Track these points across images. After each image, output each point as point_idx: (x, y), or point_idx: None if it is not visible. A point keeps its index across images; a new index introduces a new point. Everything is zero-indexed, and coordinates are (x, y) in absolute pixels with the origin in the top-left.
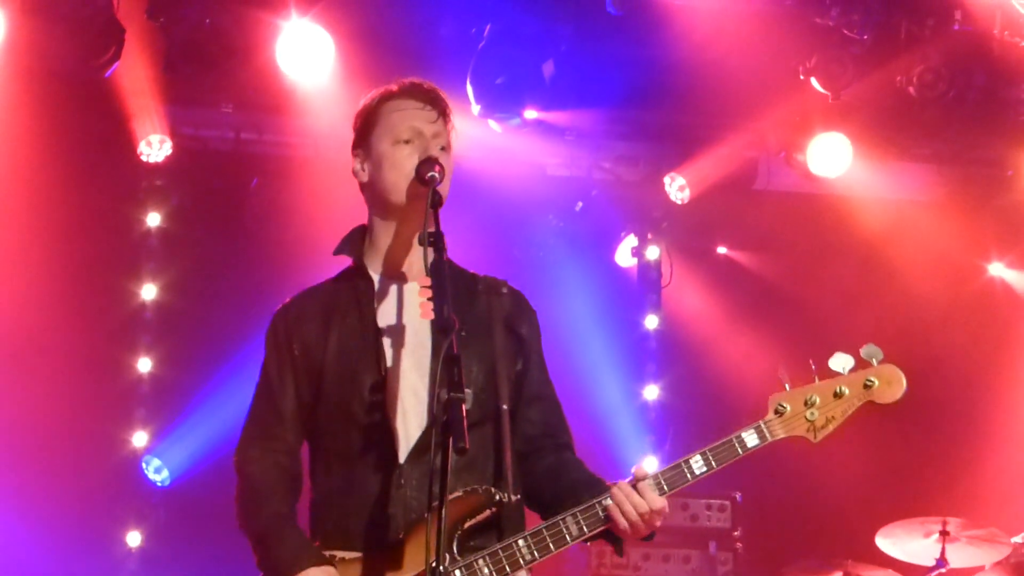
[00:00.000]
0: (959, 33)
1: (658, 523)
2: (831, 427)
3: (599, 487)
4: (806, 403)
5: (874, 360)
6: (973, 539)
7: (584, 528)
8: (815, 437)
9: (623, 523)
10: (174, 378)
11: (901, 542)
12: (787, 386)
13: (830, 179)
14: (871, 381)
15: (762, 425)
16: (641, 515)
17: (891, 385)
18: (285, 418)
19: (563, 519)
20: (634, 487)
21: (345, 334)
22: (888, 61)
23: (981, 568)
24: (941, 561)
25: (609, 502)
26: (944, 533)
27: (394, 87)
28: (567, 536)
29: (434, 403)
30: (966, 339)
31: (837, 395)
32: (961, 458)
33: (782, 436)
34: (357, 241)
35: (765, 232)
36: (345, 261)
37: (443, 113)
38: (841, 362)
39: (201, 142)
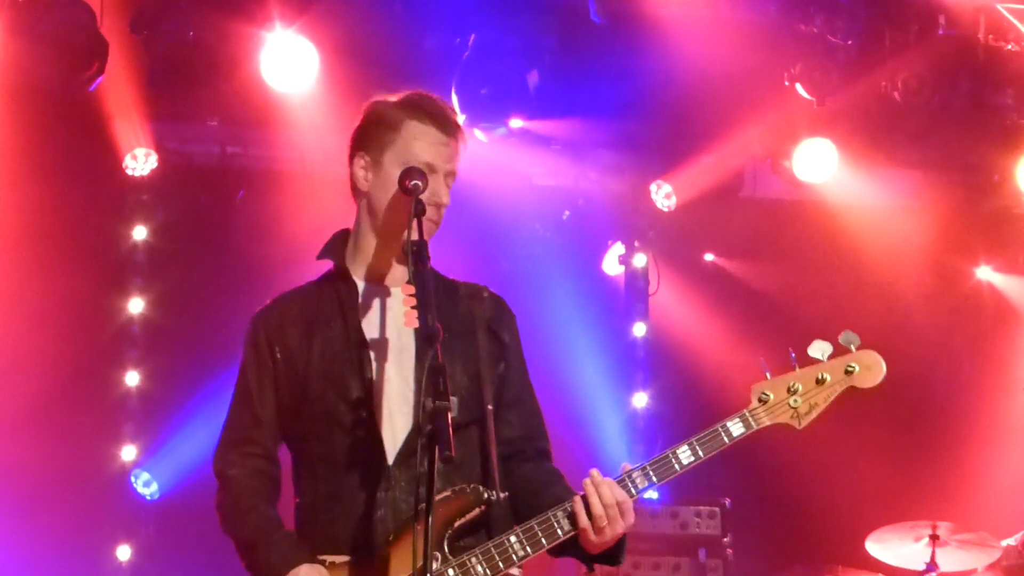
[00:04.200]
0: (943, 38)
1: (620, 526)
2: (815, 413)
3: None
4: (789, 390)
5: (852, 346)
6: (963, 543)
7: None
8: (799, 424)
9: (584, 520)
10: (162, 392)
11: (891, 547)
12: (768, 375)
13: (816, 185)
14: (852, 367)
15: (747, 413)
16: (606, 506)
17: (871, 370)
18: (263, 423)
19: (553, 513)
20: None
21: (329, 340)
22: (873, 67)
23: (972, 572)
24: (931, 565)
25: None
26: (934, 537)
27: (421, 103)
28: (559, 530)
29: (419, 408)
30: (954, 343)
31: (819, 381)
32: (950, 462)
33: (767, 423)
34: (339, 246)
35: (752, 239)
36: (327, 264)
37: (460, 149)
38: (820, 348)
39: (186, 156)
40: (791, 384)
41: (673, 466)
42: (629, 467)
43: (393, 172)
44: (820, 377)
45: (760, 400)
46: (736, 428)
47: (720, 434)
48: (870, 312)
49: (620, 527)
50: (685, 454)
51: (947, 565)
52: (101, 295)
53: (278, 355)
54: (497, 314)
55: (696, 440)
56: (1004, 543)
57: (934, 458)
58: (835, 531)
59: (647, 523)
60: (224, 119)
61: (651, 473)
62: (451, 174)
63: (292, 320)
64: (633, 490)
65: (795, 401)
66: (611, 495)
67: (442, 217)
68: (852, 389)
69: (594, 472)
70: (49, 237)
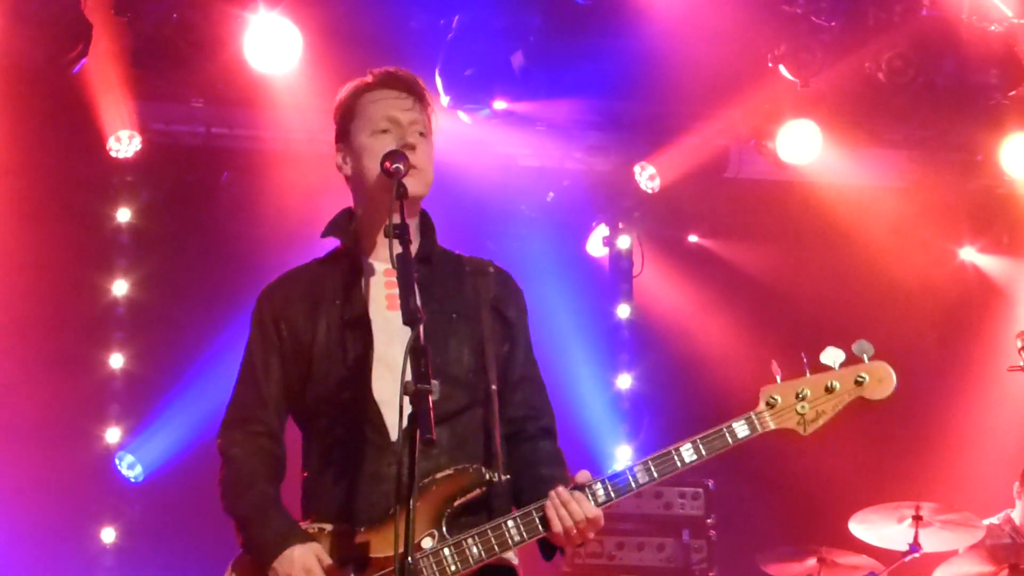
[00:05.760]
0: (927, 19)
1: (591, 534)
2: (821, 421)
3: (552, 486)
4: (797, 396)
5: (865, 356)
6: (946, 523)
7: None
8: (805, 430)
9: (557, 527)
10: (147, 374)
11: (875, 527)
12: (778, 379)
13: (800, 166)
14: (862, 377)
15: (753, 416)
16: (576, 523)
17: (882, 382)
18: (268, 402)
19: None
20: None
21: (334, 319)
22: (857, 48)
23: (955, 552)
24: (915, 546)
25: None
26: (917, 518)
27: (370, 78)
28: None
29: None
30: (938, 324)
31: (828, 389)
32: (934, 443)
33: (773, 428)
34: (344, 224)
35: (736, 220)
36: (330, 243)
37: (420, 99)
38: (832, 356)
39: (171, 137)
40: (800, 390)
41: (675, 463)
42: (587, 480)
43: (361, 140)
44: (830, 385)
45: (768, 404)
46: (742, 430)
47: (724, 435)
48: (854, 293)
49: (590, 536)
50: (688, 452)
51: (930, 545)
52: (85, 277)
53: (284, 332)
54: (503, 291)
55: (700, 439)
56: (986, 522)
57: (918, 439)
58: (819, 512)
59: (631, 503)
60: (209, 100)
61: (652, 468)
62: (415, 123)
63: (298, 298)
64: (634, 484)
65: (802, 407)
66: (580, 512)
67: (421, 161)
68: (861, 399)
69: (560, 490)
70: (33, 219)
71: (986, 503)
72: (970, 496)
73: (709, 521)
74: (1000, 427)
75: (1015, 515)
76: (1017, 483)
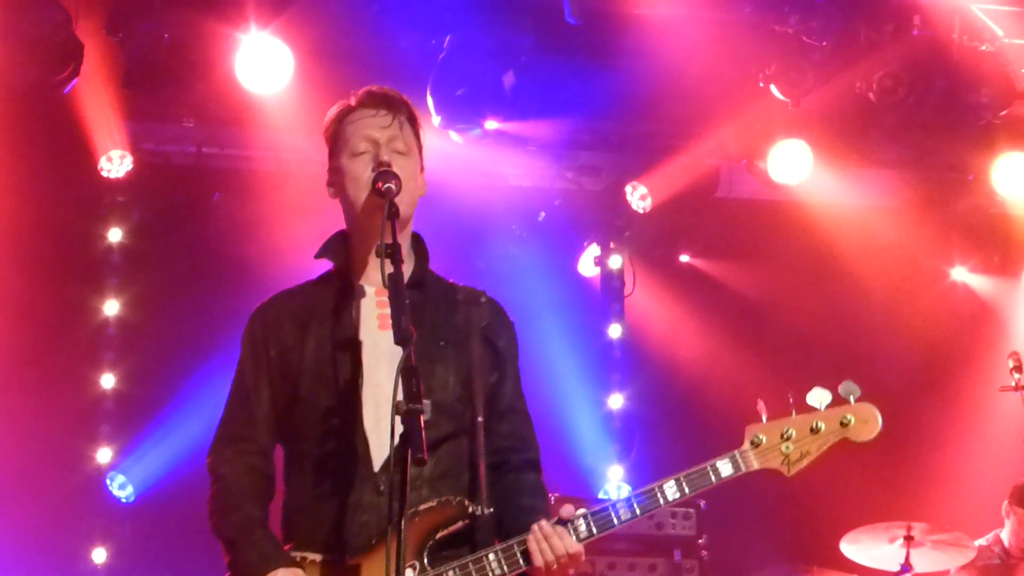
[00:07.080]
0: (918, 38)
1: (571, 570)
2: (805, 462)
3: (533, 520)
4: (782, 436)
5: (851, 397)
6: (938, 543)
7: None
8: (789, 470)
9: (538, 560)
10: (138, 394)
11: (866, 548)
12: (764, 418)
13: (791, 186)
14: (847, 419)
15: (737, 455)
16: (558, 558)
17: (867, 424)
18: (258, 420)
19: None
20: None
21: (323, 340)
22: (848, 67)
23: (946, 572)
24: (906, 566)
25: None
26: (909, 538)
27: (351, 101)
28: None
29: (393, 411)
30: (929, 344)
31: (813, 430)
32: (925, 463)
33: (756, 468)
34: (338, 246)
35: (727, 240)
36: (324, 264)
37: (399, 115)
38: (819, 397)
39: (162, 157)
40: (785, 430)
41: (658, 500)
42: (571, 514)
43: (341, 163)
44: (815, 426)
45: (752, 443)
46: (725, 468)
47: (708, 473)
48: (844, 313)
49: (571, 572)
50: (671, 489)
51: (922, 566)
52: (76, 297)
53: (272, 353)
54: (494, 321)
55: (684, 476)
56: (977, 543)
57: (909, 459)
58: (810, 532)
59: None
60: (200, 119)
61: (636, 506)
62: (392, 140)
63: (288, 318)
64: (616, 521)
65: (787, 447)
66: (562, 546)
67: (402, 186)
68: (846, 440)
69: (543, 524)
70: (24, 239)
71: (978, 523)
72: (962, 516)
73: (701, 541)
74: (992, 447)
75: (1004, 535)
76: (1006, 503)
